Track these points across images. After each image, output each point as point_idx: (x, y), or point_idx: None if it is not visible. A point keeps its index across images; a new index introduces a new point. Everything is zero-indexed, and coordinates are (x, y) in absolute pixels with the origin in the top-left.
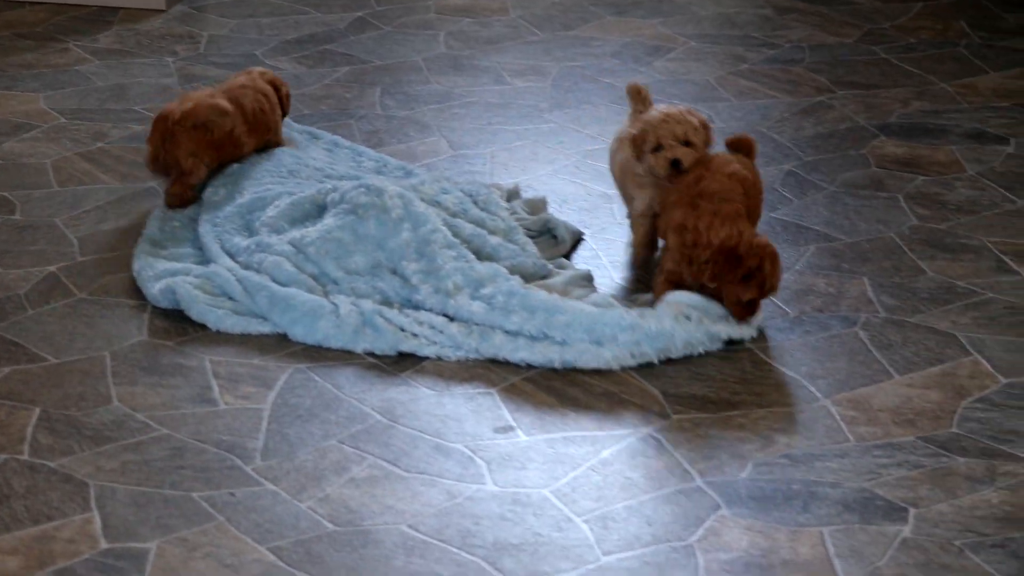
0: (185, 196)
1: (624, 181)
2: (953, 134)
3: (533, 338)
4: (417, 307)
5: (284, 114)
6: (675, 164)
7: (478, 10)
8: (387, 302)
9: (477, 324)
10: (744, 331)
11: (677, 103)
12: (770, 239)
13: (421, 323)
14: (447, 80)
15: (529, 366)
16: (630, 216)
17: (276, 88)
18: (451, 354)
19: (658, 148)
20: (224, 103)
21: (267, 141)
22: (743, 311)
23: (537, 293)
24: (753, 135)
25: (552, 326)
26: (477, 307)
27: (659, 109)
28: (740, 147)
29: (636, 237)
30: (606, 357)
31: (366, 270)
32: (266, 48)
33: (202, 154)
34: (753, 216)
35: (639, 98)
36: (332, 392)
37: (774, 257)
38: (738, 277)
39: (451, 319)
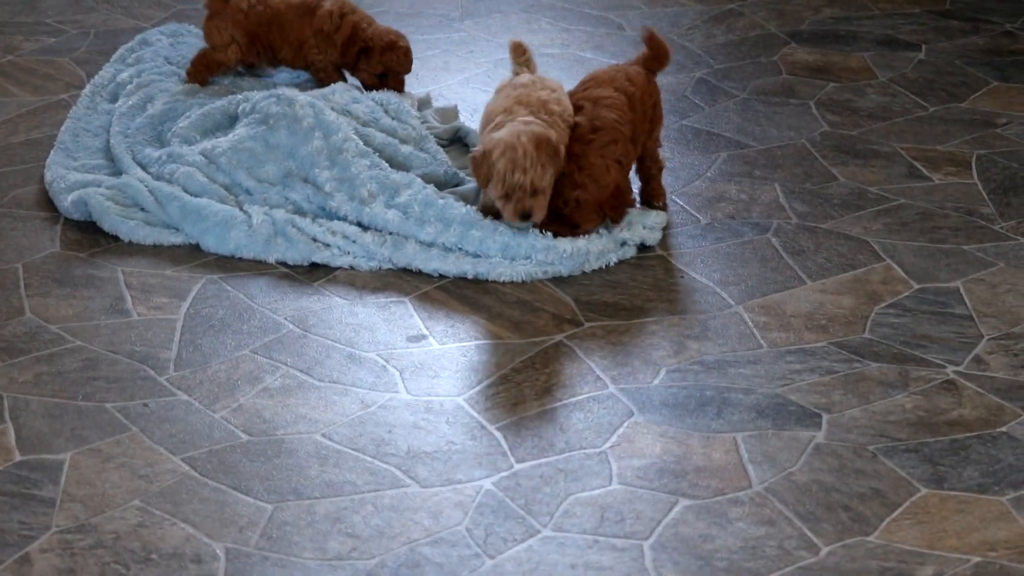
0: (201, 74)
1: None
2: (864, 40)
3: (447, 249)
4: (331, 215)
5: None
6: (524, 216)
7: None
8: (300, 211)
9: (391, 233)
10: (650, 234)
11: (544, 79)
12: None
13: (334, 233)
14: None
15: (441, 276)
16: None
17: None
18: (364, 264)
19: (506, 196)
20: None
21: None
22: (562, 227)
23: (454, 205)
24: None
25: (467, 240)
26: (392, 215)
27: (524, 84)
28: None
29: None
30: (519, 271)
31: (278, 179)
32: None
33: (230, 29)
34: (653, 120)
35: (521, 56)
36: (245, 302)
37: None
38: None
39: (364, 228)
